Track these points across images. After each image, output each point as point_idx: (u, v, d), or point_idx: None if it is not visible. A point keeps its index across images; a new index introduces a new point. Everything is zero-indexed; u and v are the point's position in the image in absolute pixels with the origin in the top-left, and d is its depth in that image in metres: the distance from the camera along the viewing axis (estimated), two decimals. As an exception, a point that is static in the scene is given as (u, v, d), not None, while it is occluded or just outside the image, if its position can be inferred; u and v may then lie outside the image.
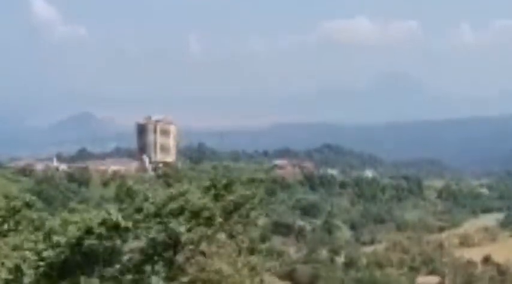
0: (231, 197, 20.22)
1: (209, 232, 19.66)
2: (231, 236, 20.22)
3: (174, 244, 19.48)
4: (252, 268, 20.62)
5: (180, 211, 19.70)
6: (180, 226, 19.18)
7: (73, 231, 19.51)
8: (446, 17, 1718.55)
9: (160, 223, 19.57)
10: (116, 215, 19.38)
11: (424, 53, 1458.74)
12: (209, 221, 19.79)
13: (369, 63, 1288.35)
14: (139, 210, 20.07)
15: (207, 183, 20.79)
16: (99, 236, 19.18)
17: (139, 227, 19.60)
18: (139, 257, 19.46)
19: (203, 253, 19.60)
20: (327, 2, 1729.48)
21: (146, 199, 20.19)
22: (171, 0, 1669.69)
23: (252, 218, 20.63)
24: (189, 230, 19.31)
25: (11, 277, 19.05)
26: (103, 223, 19.26)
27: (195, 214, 19.63)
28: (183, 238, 19.16)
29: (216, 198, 20.21)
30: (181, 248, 19.52)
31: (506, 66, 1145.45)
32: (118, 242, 19.37)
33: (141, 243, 19.46)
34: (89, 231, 19.23)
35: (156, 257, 19.65)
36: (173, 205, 19.78)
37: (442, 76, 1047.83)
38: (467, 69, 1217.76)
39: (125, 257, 19.39)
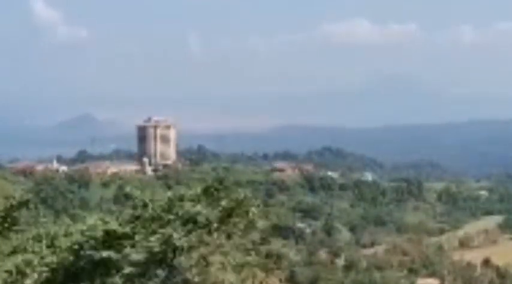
0: (225, 201, 20.14)
1: (206, 236, 19.59)
2: (229, 237, 20.18)
3: (173, 250, 19.43)
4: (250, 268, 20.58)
5: (176, 217, 19.65)
6: (174, 231, 19.15)
7: (76, 237, 19.53)
8: (447, 19, 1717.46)
9: (155, 231, 19.48)
10: (113, 224, 19.37)
11: (425, 55, 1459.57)
12: (205, 227, 19.75)
13: (370, 65, 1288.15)
14: (137, 217, 20.00)
15: (203, 187, 20.69)
16: (100, 244, 19.13)
17: (138, 234, 19.53)
18: (140, 266, 19.35)
19: (204, 258, 19.57)
20: (327, 3, 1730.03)
21: (145, 205, 20.09)
22: (171, 1, 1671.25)
23: (251, 218, 20.56)
24: (185, 235, 19.26)
25: (10, 279, 19.03)
26: (106, 233, 19.23)
27: (191, 220, 19.59)
28: (179, 244, 19.11)
29: (212, 203, 20.16)
30: (179, 254, 19.47)
31: (506, 69, 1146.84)
32: (117, 250, 19.28)
33: (139, 252, 19.32)
34: (89, 240, 19.23)
35: (155, 265, 19.57)
36: (169, 213, 19.72)
37: (443, 79, 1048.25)
38: (468, 72, 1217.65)
39: (126, 266, 19.27)
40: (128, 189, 21.09)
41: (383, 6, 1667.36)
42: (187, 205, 19.58)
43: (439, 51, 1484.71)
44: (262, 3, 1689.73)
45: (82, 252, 19.08)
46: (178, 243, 19.03)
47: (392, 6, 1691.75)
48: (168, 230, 19.01)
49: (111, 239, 19.08)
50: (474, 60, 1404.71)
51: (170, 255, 19.26)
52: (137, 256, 18.82)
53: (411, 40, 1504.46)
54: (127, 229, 19.26)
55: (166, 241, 18.96)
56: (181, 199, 19.78)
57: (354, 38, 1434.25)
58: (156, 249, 18.97)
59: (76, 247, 19.26)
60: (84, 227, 19.56)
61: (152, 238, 19.01)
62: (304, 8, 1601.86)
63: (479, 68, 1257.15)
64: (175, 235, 18.94)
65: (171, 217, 19.39)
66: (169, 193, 20.24)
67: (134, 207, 20.13)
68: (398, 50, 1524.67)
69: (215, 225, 19.53)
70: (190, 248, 19.18)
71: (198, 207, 19.49)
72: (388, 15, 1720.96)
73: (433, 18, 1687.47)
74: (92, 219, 19.98)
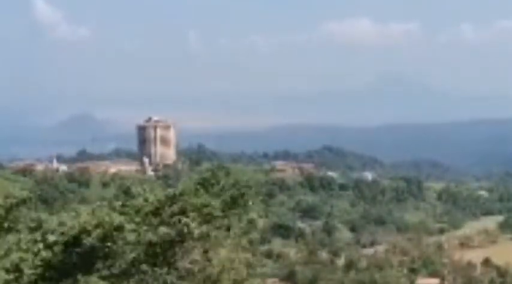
0: (227, 190, 20.25)
1: (210, 228, 19.67)
2: (228, 230, 20.26)
3: (180, 241, 19.48)
4: (250, 266, 20.65)
5: (183, 210, 19.67)
6: (192, 222, 19.22)
7: (70, 231, 19.48)
8: (447, 18, 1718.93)
9: (163, 222, 19.53)
10: (114, 217, 19.34)
11: (425, 54, 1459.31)
12: (209, 217, 19.82)
13: (370, 64, 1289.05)
14: (138, 211, 19.99)
15: (202, 179, 20.79)
16: (98, 237, 19.11)
17: (140, 227, 19.53)
18: (141, 257, 19.39)
19: (206, 251, 19.64)
20: (328, 2, 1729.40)
21: (146, 200, 20.10)
22: (171, 0, 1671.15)
23: (250, 209, 20.65)
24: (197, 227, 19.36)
25: (9, 277, 19.00)
26: (100, 225, 19.19)
27: (198, 212, 19.65)
28: (197, 232, 19.18)
29: (213, 192, 20.25)
30: (187, 245, 19.52)
31: (507, 68, 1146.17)
32: (117, 242, 19.28)
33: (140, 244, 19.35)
34: (84, 232, 19.20)
35: (157, 257, 19.60)
36: (174, 206, 19.74)
37: (443, 78, 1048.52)
38: (468, 71, 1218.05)
39: (125, 257, 19.29)
40: (128, 185, 21.12)
41: (384, 5, 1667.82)
42: (191, 197, 19.65)
43: (441, 50, 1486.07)
44: (263, 2, 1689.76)
45: (79, 245, 19.06)
46: (196, 232, 19.05)
47: (393, 6, 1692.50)
48: (185, 219, 19.05)
49: (112, 231, 19.05)
50: (476, 59, 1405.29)
51: (173, 246, 19.28)
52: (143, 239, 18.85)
53: (412, 39, 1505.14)
54: (127, 222, 19.27)
55: (179, 230, 18.93)
56: (181, 194, 19.82)
57: (355, 37, 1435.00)
58: (156, 241, 19.00)
59: (71, 240, 19.24)
60: (77, 222, 19.56)
61: (161, 228, 19.05)
62: (305, 7, 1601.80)
63: (480, 67, 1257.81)
64: (192, 224, 18.98)
65: (175, 209, 19.40)
66: (168, 190, 20.32)
67: (134, 202, 20.12)
68: (399, 49, 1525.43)
69: (218, 215, 19.65)
70: (201, 238, 19.25)
71: (204, 197, 19.62)
72: (390, 14, 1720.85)
73: (435, 17, 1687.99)
74: (84, 214, 19.98)
